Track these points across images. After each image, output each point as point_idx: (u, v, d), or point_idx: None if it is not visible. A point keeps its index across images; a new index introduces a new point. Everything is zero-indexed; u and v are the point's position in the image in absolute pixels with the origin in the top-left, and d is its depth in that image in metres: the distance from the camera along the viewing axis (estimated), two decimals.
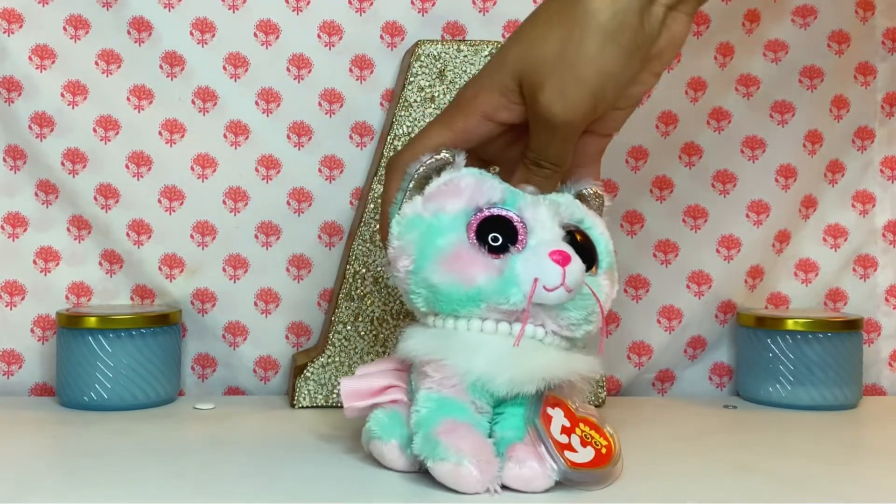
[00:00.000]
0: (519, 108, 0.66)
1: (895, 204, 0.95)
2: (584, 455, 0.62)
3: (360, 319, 0.85)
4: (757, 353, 0.88)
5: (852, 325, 0.88)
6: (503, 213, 0.65)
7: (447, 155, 0.66)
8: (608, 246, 0.68)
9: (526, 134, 0.67)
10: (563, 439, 0.62)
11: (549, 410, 0.63)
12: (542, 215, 0.65)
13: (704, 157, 0.92)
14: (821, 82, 0.92)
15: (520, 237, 0.64)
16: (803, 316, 0.88)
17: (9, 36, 0.86)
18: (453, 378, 0.63)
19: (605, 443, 0.63)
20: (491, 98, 0.66)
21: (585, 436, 0.63)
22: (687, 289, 0.92)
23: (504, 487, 0.61)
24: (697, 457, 0.72)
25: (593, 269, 0.67)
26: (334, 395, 0.84)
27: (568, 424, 0.63)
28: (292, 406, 0.85)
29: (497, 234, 0.64)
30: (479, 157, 0.69)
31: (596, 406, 0.82)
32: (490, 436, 0.64)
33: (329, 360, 0.84)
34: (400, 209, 0.66)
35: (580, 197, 0.69)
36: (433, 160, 0.66)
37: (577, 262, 0.63)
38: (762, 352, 0.88)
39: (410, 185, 0.66)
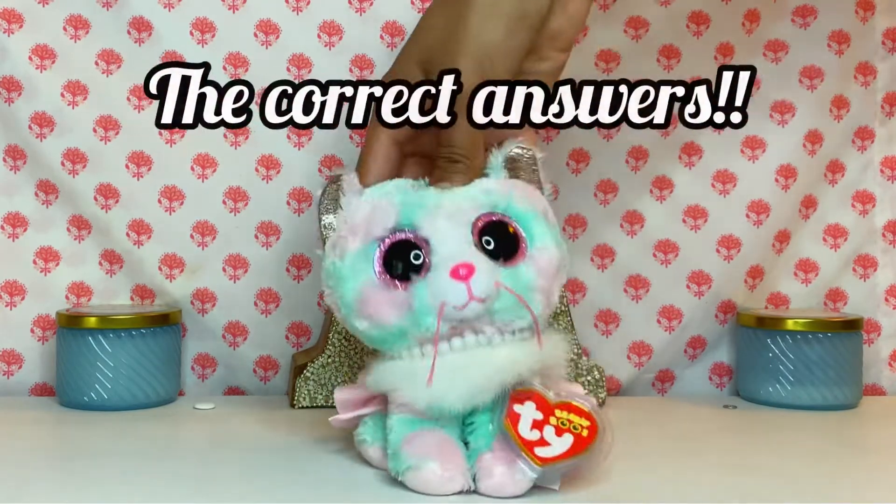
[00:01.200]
0: None
1: (895, 204, 0.95)
2: (560, 445, 0.60)
3: None
4: (757, 353, 0.88)
5: (852, 325, 0.88)
6: (399, 237, 0.63)
7: (332, 182, 0.66)
8: (536, 215, 0.65)
9: None
10: (535, 435, 0.61)
11: (517, 408, 0.61)
12: (441, 225, 0.63)
13: (704, 157, 0.92)
14: (821, 82, 0.92)
15: (424, 259, 0.62)
16: (803, 316, 0.88)
17: (9, 36, 0.86)
18: (410, 404, 0.63)
19: (586, 423, 0.61)
20: None
21: (562, 423, 0.61)
22: (687, 289, 0.92)
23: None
24: (697, 457, 0.72)
25: (518, 253, 0.63)
26: (334, 396, 0.84)
27: (540, 417, 0.61)
28: (292, 406, 0.85)
29: (398, 260, 0.63)
30: (421, 154, 0.70)
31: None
32: (466, 444, 0.63)
33: (329, 360, 0.84)
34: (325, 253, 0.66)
35: (511, 160, 0.66)
36: (323, 191, 0.66)
37: (482, 271, 0.61)
38: (762, 352, 0.88)
39: (322, 221, 0.66)
